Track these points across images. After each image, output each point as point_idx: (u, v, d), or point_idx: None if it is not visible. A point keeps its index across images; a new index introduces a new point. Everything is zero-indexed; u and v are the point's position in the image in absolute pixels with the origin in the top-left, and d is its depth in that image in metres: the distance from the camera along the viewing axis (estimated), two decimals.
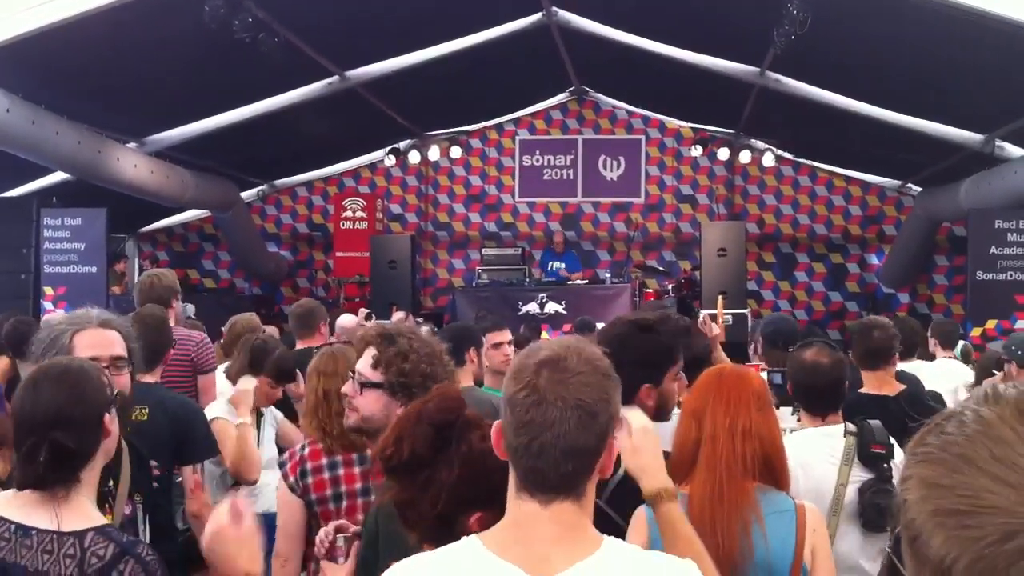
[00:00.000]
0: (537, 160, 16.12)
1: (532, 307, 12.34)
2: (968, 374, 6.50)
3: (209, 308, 11.84)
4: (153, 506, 3.08)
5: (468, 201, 16.33)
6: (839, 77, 10.48)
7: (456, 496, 1.98)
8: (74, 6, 7.93)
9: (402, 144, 15.44)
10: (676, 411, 3.00)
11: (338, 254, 15.84)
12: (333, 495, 3.05)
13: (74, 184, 11.14)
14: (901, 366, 5.04)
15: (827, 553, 2.69)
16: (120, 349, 3.02)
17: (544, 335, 10.42)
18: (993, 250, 10.34)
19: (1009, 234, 10.34)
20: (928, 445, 0.96)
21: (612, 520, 2.50)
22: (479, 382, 4.80)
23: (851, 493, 3.34)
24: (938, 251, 15.10)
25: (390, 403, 2.70)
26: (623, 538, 1.89)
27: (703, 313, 5.74)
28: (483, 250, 14.86)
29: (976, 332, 9.85)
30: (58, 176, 11.32)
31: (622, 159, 15.96)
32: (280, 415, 5.18)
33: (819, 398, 3.59)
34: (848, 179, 15.51)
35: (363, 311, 8.10)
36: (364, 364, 2.79)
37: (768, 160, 14.71)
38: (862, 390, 4.47)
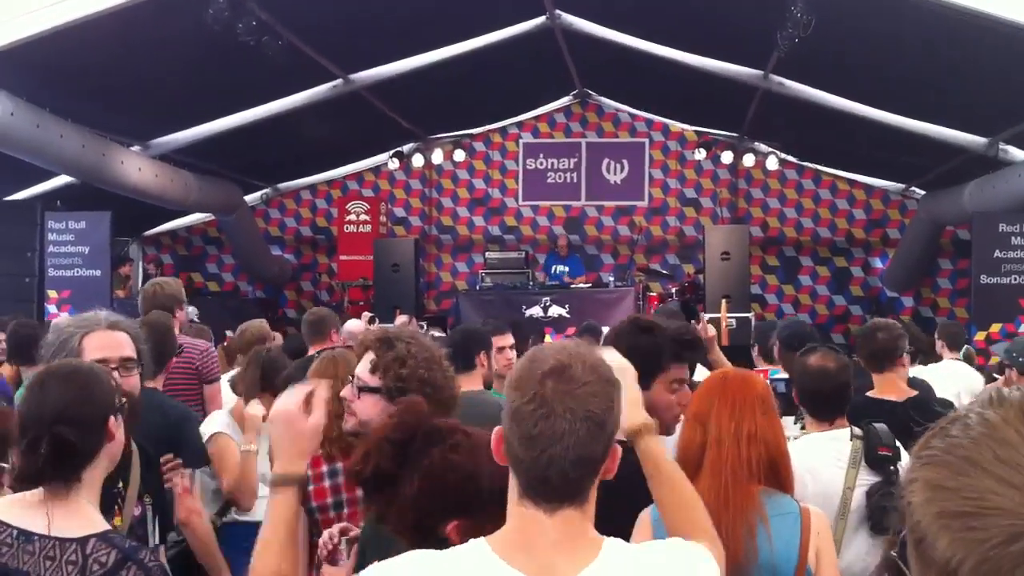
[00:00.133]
0: (541, 163, 16.12)
1: (536, 310, 12.34)
2: (973, 376, 6.49)
3: (213, 311, 11.87)
4: (162, 508, 3.08)
5: (472, 204, 16.33)
6: (843, 80, 10.47)
7: (420, 509, 1.96)
8: (77, 9, 7.94)
9: (406, 147, 15.45)
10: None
11: (342, 257, 15.84)
12: (334, 503, 3.05)
13: (78, 187, 11.16)
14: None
15: (831, 556, 2.69)
16: (129, 351, 3.02)
17: (548, 338, 10.42)
18: (997, 254, 10.34)
19: (1013, 238, 10.34)
20: (933, 448, 0.96)
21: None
22: (488, 385, 4.79)
23: (859, 497, 3.33)
24: (942, 255, 15.08)
25: (387, 408, 2.64)
26: (622, 502, 1.87)
27: (703, 316, 5.72)
28: (487, 254, 14.86)
29: (980, 336, 9.84)
30: (62, 179, 11.34)
31: (626, 162, 15.96)
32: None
33: (825, 403, 3.57)
34: (852, 182, 15.50)
35: (366, 315, 8.11)
36: (363, 368, 2.78)
37: (772, 163, 14.71)
38: (869, 393, 4.46)
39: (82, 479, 2.33)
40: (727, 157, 14.87)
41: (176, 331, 5.31)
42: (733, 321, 10.73)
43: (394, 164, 15.42)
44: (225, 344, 8.15)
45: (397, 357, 2.73)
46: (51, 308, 10.53)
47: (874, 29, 8.62)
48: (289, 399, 2.21)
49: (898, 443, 3.39)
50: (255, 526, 2.30)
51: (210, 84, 10.30)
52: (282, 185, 16.40)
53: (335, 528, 2.50)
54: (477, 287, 13.95)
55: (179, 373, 5.07)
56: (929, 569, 0.92)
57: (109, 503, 2.66)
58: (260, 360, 4.59)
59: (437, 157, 15.58)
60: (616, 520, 1.94)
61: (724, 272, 12.83)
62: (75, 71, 9.00)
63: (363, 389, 2.76)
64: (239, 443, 4.38)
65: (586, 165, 16.00)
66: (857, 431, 3.46)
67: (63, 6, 7.92)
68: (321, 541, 2.48)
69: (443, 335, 8.20)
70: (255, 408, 4.41)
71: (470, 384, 4.69)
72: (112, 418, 2.40)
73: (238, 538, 4.13)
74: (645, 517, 2.57)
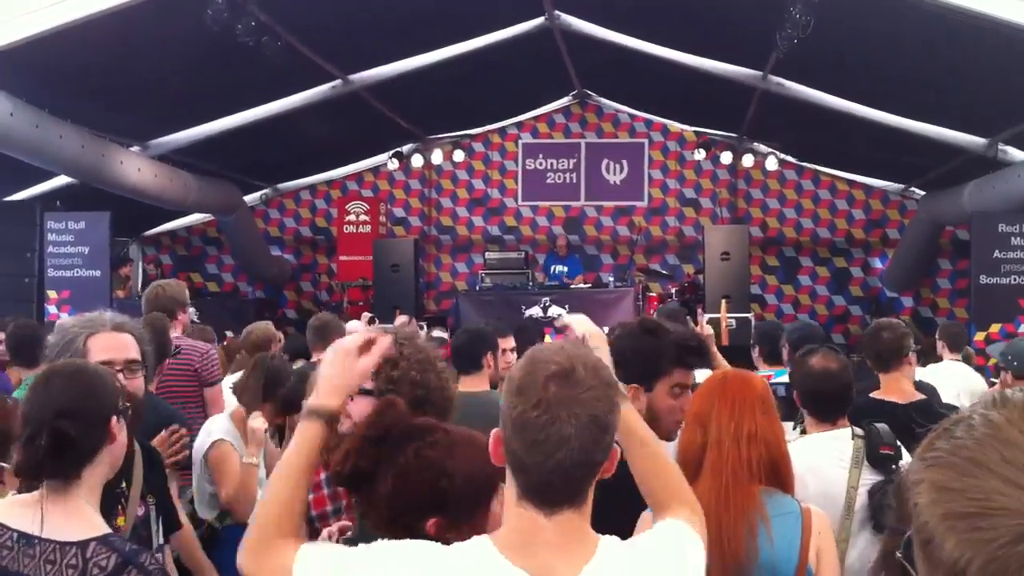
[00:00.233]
0: (540, 164, 16.13)
1: (535, 311, 12.33)
2: (973, 377, 6.49)
3: (212, 312, 11.86)
4: (166, 507, 3.08)
5: (471, 205, 16.34)
6: (842, 80, 10.48)
7: (394, 507, 1.96)
8: (77, 10, 7.94)
9: (405, 148, 15.46)
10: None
11: (341, 258, 15.84)
12: (333, 509, 3.04)
13: (78, 188, 11.16)
14: None
15: (832, 556, 2.69)
16: (134, 353, 3.02)
17: (547, 338, 10.41)
18: (996, 254, 10.34)
19: (1013, 238, 10.34)
20: (938, 449, 0.97)
21: None
22: (495, 385, 4.79)
23: (862, 496, 3.33)
24: (941, 255, 15.09)
25: None
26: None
27: (702, 316, 5.72)
28: (486, 254, 14.86)
29: (980, 336, 9.84)
30: (62, 180, 11.34)
31: (625, 163, 15.97)
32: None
33: (828, 404, 3.57)
34: (851, 183, 15.50)
35: (366, 315, 8.10)
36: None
37: (771, 164, 14.71)
38: (872, 394, 4.46)
39: (82, 477, 2.32)
40: (726, 157, 14.87)
41: (179, 333, 5.31)
42: (733, 321, 10.71)
43: (393, 164, 15.42)
44: (225, 344, 8.16)
45: (388, 359, 2.72)
46: (51, 308, 10.53)
47: (873, 29, 8.62)
48: (352, 338, 2.17)
49: (898, 442, 3.40)
50: None
51: (209, 84, 10.30)
52: (282, 185, 16.40)
53: (334, 527, 2.50)
54: (477, 287, 13.95)
55: (178, 375, 5.05)
56: (937, 570, 0.93)
57: (112, 503, 2.66)
58: (264, 369, 4.52)
59: (436, 157, 15.58)
60: (615, 519, 1.95)
61: (724, 272, 12.84)
62: (74, 71, 9.00)
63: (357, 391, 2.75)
64: (240, 451, 4.32)
65: (585, 165, 16.00)
66: (858, 431, 3.47)
67: (62, 7, 7.92)
68: (320, 539, 2.48)
69: (443, 334, 8.21)
70: (257, 421, 4.34)
71: (477, 384, 4.69)
72: (114, 419, 2.40)
73: (234, 541, 4.12)
74: (647, 516, 2.57)
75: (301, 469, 1.99)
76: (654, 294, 13.37)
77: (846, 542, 3.23)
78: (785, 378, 4.57)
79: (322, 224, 16.61)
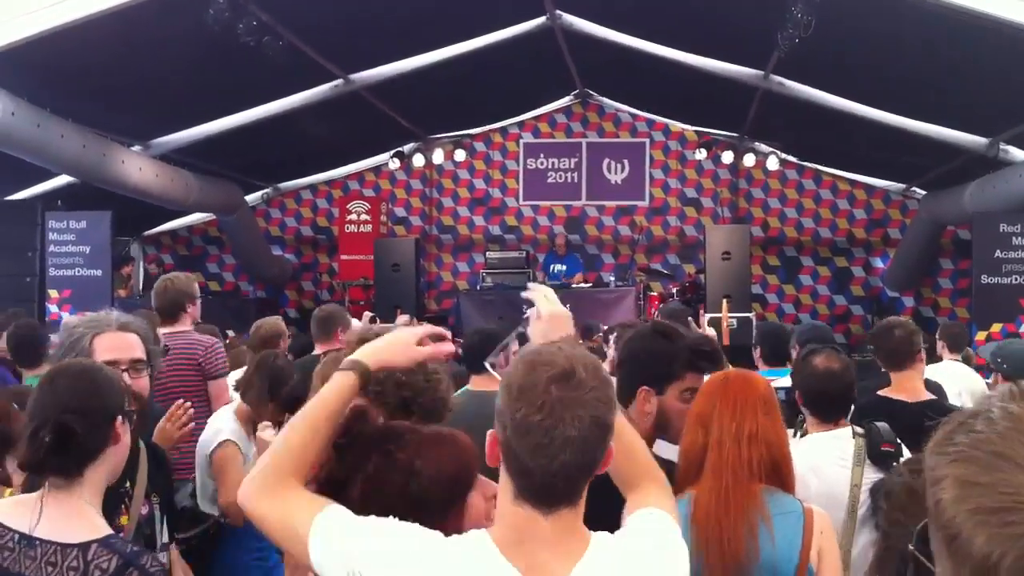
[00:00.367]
0: (541, 163, 16.12)
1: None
2: (974, 377, 6.47)
3: (214, 311, 11.82)
4: (171, 506, 3.08)
5: (472, 204, 16.33)
6: (843, 80, 10.47)
7: (369, 512, 1.97)
8: (78, 10, 7.94)
9: (406, 147, 15.45)
10: None
11: (342, 257, 15.85)
12: None
13: (79, 187, 11.16)
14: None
15: (834, 556, 2.69)
16: (139, 352, 3.02)
17: None
18: (998, 254, 10.33)
19: (1014, 238, 10.34)
20: (958, 444, 0.96)
21: None
22: None
23: (864, 494, 3.33)
24: (943, 255, 15.09)
25: (372, 410, 2.62)
26: None
27: (704, 316, 5.71)
28: (487, 253, 14.85)
29: (981, 335, 9.84)
30: (63, 179, 11.34)
31: (626, 162, 15.96)
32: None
33: (831, 404, 3.58)
34: (852, 182, 15.50)
35: (367, 314, 8.10)
36: (323, 377, 2.73)
37: (772, 163, 14.71)
38: (885, 392, 4.46)
39: (84, 475, 2.32)
40: (728, 157, 14.86)
41: (188, 326, 5.33)
42: (734, 321, 10.70)
43: (395, 164, 15.41)
44: (227, 343, 8.15)
45: None
46: (52, 308, 10.53)
47: (874, 29, 8.61)
48: (417, 329, 2.21)
49: (899, 440, 3.40)
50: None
51: (211, 84, 10.30)
52: (283, 185, 16.40)
53: None
54: (478, 287, 13.95)
55: (181, 367, 5.07)
56: (963, 566, 0.92)
57: (116, 502, 2.67)
58: (268, 369, 4.48)
59: (438, 157, 15.57)
60: (614, 518, 1.97)
61: (725, 272, 12.83)
62: (76, 71, 9.00)
63: None
64: (245, 452, 4.28)
65: (587, 165, 15.99)
66: (859, 429, 3.47)
67: (63, 6, 7.92)
68: None
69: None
70: (267, 433, 4.31)
71: (488, 384, 4.69)
72: (119, 419, 2.41)
73: (240, 538, 4.12)
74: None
75: (323, 416, 1.98)
76: (655, 294, 13.36)
77: (849, 540, 3.24)
78: (785, 380, 4.56)
79: (323, 223, 16.61)
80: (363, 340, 2.60)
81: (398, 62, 11.46)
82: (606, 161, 15.98)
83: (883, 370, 4.68)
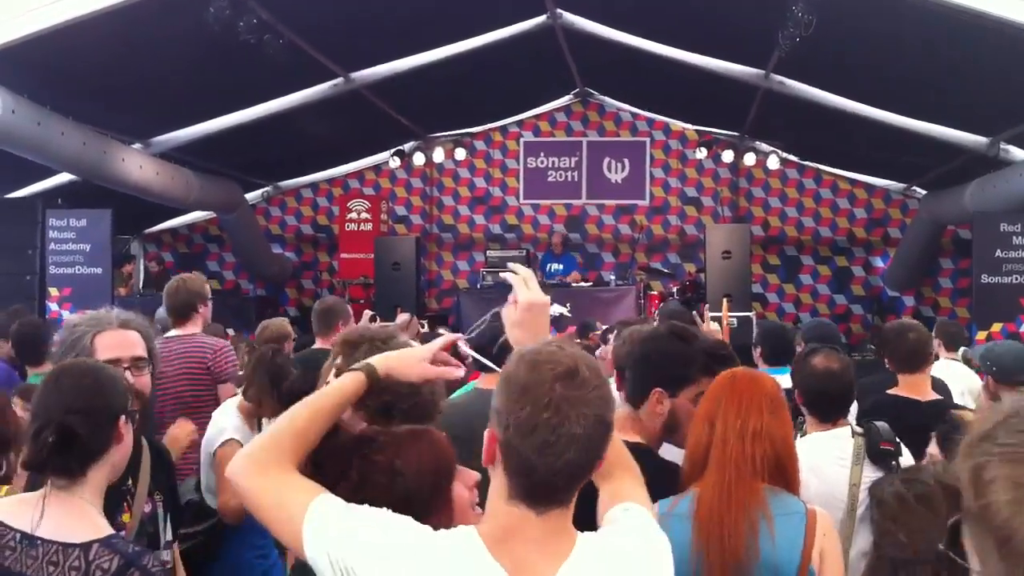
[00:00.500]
0: (541, 162, 16.12)
1: None
2: (972, 377, 6.46)
3: (214, 309, 11.77)
4: (174, 504, 3.08)
5: (472, 203, 16.33)
6: (844, 80, 10.46)
7: None
8: (78, 8, 7.94)
9: (407, 146, 15.46)
10: None
11: (343, 256, 15.86)
12: None
13: (79, 185, 11.16)
14: None
15: (836, 559, 2.68)
16: (141, 350, 3.02)
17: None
18: (998, 253, 10.34)
19: (1014, 237, 10.34)
20: (1007, 444, 0.93)
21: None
22: None
23: (863, 493, 3.34)
24: (943, 254, 15.08)
25: (354, 415, 2.48)
26: None
27: (707, 314, 5.69)
28: (487, 252, 14.85)
29: (981, 335, 9.84)
30: (63, 177, 11.33)
31: (627, 161, 15.96)
32: None
33: (831, 404, 3.58)
34: (853, 182, 15.50)
35: (368, 313, 8.09)
36: (329, 373, 2.72)
37: (773, 163, 14.71)
38: (895, 391, 4.46)
39: (87, 476, 2.33)
40: (728, 156, 14.87)
41: (199, 328, 5.33)
42: (734, 321, 10.69)
43: (395, 162, 15.42)
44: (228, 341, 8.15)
45: (356, 361, 2.63)
46: (52, 306, 10.54)
47: (875, 29, 8.61)
48: (431, 345, 2.21)
49: (898, 439, 3.41)
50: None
51: (211, 82, 10.30)
52: (283, 183, 16.40)
53: None
54: (478, 285, 13.94)
55: (190, 370, 5.09)
56: (1017, 567, 0.90)
57: (118, 500, 2.67)
58: (267, 365, 4.47)
59: (438, 155, 15.58)
60: (588, 508, 1.97)
61: (725, 271, 12.83)
62: (76, 69, 9.00)
63: None
64: None
65: (587, 164, 16.00)
66: (858, 428, 3.47)
67: (64, 4, 7.91)
68: None
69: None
70: None
71: (495, 383, 4.68)
72: (122, 419, 2.41)
73: (244, 535, 4.12)
74: (653, 512, 2.60)
75: (328, 406, 2.01)
76: (655, 293, 13.35)
77: (848, 540, 3.24)
78: (786, 379, 4.57)
79: (323, 222, 16.62)
80: (347, 341, 2.59)
81: (398, 61, 11.45)
82: (606, 160, 15.98)
83: (888, 369, 4.69)
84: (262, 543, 4.13)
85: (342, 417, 2.39)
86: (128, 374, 2.84)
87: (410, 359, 2.17)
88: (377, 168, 16.36)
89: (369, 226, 15.84)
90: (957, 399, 5.39)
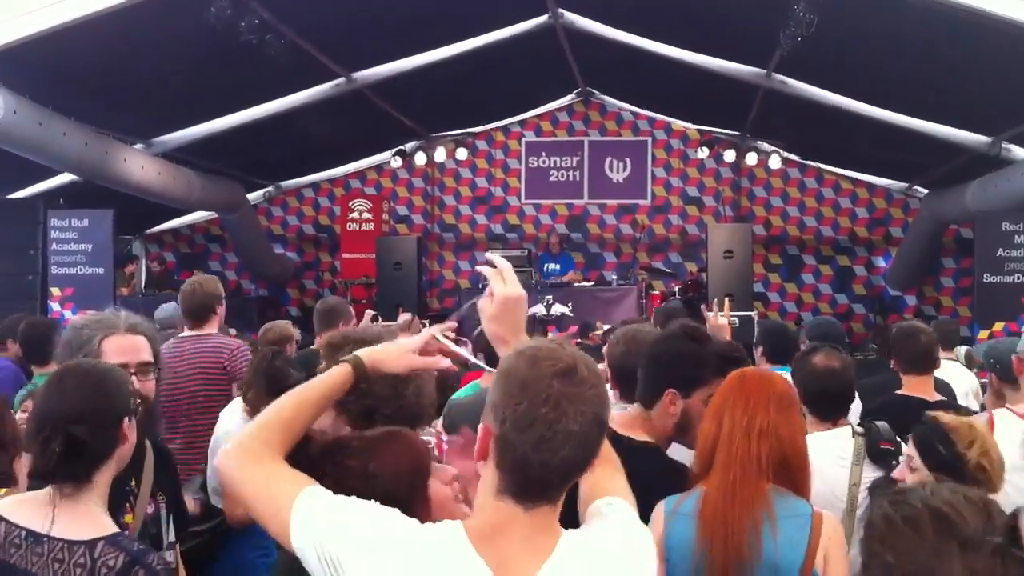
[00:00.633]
0: (543, 162, 16.13)
1: (538, 309, 12.31)
2: (969, 376, 6.45)
3: None
4: (177, 505, 3.08)
5: (474, 203, 16.34)
6: (845, 79, 10.46)
7: None
8: (80, 8, 7.94)
9: (408, 146, 15.46)
10: None
11: (344, 256, 15.86)
12: None
13: (81, 185, 11.17)
14: None
15: (841, 563, 2.67)
16: (147, 355, 3.02)
17: (549, 335, 10.38)
18: (1000, 252, 10.33)
19: (1016, 236, 10.34)
20: None
21: None
22: None
23: (863, 493, 3.34)
24: (945, 253, 15.08)
25: (337, 419, 2.48)
26: None
27: (710, 313, 5.67)
28: (488, 252, 14.82)
29: (983, 334, 9.83)
30: (65, 177, 11.34)
31: (628, 161, 15.96)
32: None
33: (831, 403, 3.58)
34: (855, 181, 15.49)
35: (369, 313, 8.09)
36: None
37: (774, 162, 14.70)
38: (903, 392, 4.46)
39: (93, 481, 2.35)
40: (730, 155, 14.87)
41: (214, 329, 5.37)
42: (736, 320, 10.69)
43: (397, 162, 15.42)
44: None
45: None
46: (54, 306, 10.54)
47: (876, 28, 8.60)
48: (417, 338, 2.22)
49: (898, 438, 3.40)
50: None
51: (212, 83, 10.30)
52: (285, 183, 16.41)
53: None
54: (480, 285, 13.92)
55: (207, 371, 5.13)
56: None
57: (121, 501, 2.67)
58: (266, 368, 4.47)
59: (440, 155, 15.57)
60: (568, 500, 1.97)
61: (727, 270, 12.83)
62: (78, 69, 9.01)
63: None
64: None
65: (589, 163, 16.00)
66: (858, 428, 3.47)
67: (65, 5, 7.91)
68: None
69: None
70: None
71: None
72: (126, 420, 2.42)
73: (249, 535, 4.12)
74: (659, 510, 2.67)
75: (314, 398, 2.03)
76: (657, 292, 13.36)
77: (849, 539, 3.24)
78: (786, 377, 4.58)
79: (325, 222, 16.62)
80: (330, 344, 2.59)
81: (400, 61, 11.45)
82: (608, 160, 15.98)
83: (890, 369, 4.69)
84: (265, 543, 4.13)
85: (327, 425, 2.40)
86: (135, 379, 2.84)
87: (397, 351, 2.18)
88: (379, 168, 16.36)
89: (371, 226, 15.84)
90: (961, 400, 5.40)
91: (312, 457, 2.00)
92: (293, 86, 11.27)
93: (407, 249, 13.99)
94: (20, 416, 3.94)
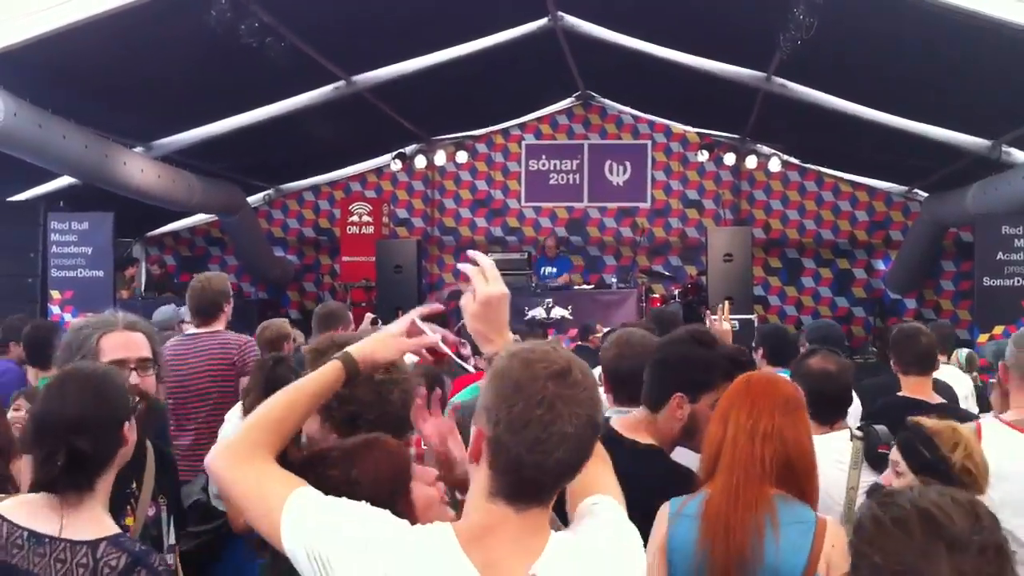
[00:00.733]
0: (543, 165, 16.13)
1: (538, 312, 12.31)
2: (965, 379, 6.44)
3: None
4: (178, 507, 3.08)
5: (474, 206, 16.34)
6: (845, 82, 10.46)
7: None
8: (80, 11, 7.95)
9: (408, 149, 15.47)
10: None
11: (344, 258, 15.84)
12: None
13: (81, 188, 11.17)
14: None
15: (844, 569, 2.67)
16: (146, 351, 3.02)
17: (549, 338, 10.38)
18: (1000, 256, 10.34)
19: (1016, 240, 10.35)
20: None
21: None
22: None
23: (861, 497, 3.33)
24: (945, 256, 15.08)
25: (323, 425, 2.46)
26: None
27: (713, 316, 5.67)
28: (489, 255, 14.78)
29: (983, 338, 9.83)
30: (65, 180, 11.35)
31: (628, 164, 15.96)
32: None
33: (828, 405, 3.57)
34: (855, 184, 15.49)
35: (369, 316, 8.09)
36: None
37: (774, 165, 14.71)
38: (904, 393, 4.46)
39: (95, 488, 2.36)
40: (730, 159, 14.88)
41: (222, 326, 5.41)
42: (736, 323, 10.69)
43: (397, 165, 15.43)
44: None
45: None
46: (54, 309, 10.54)
47: (876, 31, 8.61)
48: (399, 322, 2.21)
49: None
50: None
51: (212, 85, 10.31)
52: (285, 186, 16.41)
53: None
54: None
55: (216, 366, 5.16)
56: None
57: (122, 503, 2.68)
58: (265, 373, 4.46)
59: (440, 158, 15.59)
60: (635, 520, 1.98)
61: (726, 274, 12.81)
62: (78, 72, 9.01)
63: None
64: None
65: (588, 167, 16.00)
66: (857, 432, 3.47)
67: (65, 7, 7.92)
68: None
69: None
70: None
71: None
72: (127, 424, 2.42)
73: (248, 541, 4.12)
74: (664, 511, 2.67)
75: (305, 396, 2.02)
76: (657, 296, 13.35)
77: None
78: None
79: (325, 225, 16.62)
80: (316, 349, 2.57)
81: (400, 64, 11.46)
82: (608, 163, 15.98)
83: (890, 372, 4.69)
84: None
85: (313, 431, 2.40)
86: (134, 375, 2.86)
87: (385, 338, 2.17)
88: (379, 171, 16.37)
89: (371, 229, 15.82)
90: (963, 403, 5.41)
91: (293, 470, 1.99)
92: (293, 89, 11.27)
93: (407, 252, 13.97)
94: (13, 415, 3.94)
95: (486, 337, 2.11)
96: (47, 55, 8.33)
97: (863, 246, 15.59)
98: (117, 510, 2.56)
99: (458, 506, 2.15)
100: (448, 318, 6.07)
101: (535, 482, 1.70)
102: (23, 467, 3.12)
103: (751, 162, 14.86)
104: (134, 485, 2.79)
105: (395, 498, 1.94)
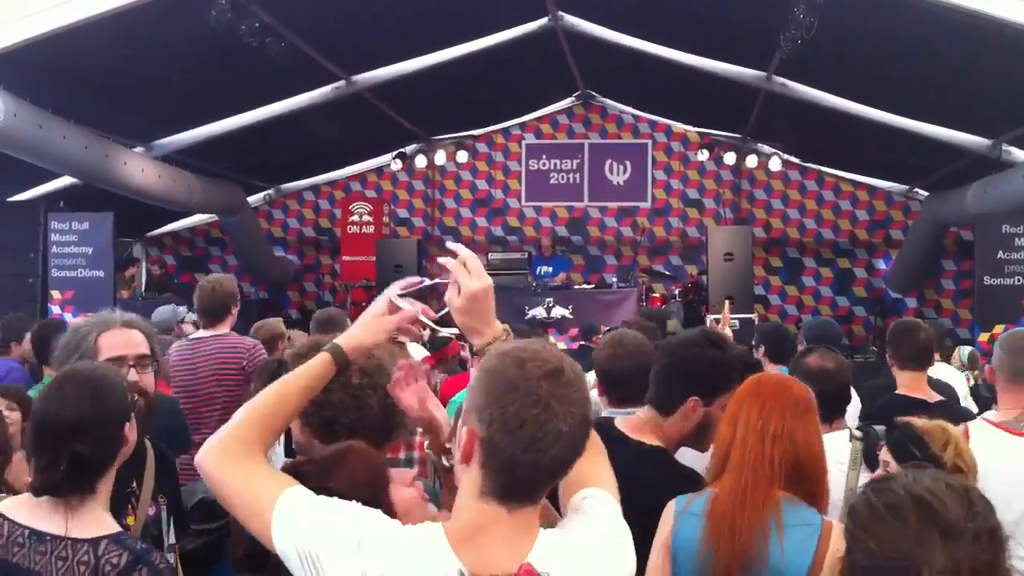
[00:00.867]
0: (544, 164, 16.13)
1: (539, 311, 12.31)
2: (959, 377, 6.43)
3: None
4: (178, 507, 3.08)
5: (475, 205, 16.34)
6: (845, 81, 10.46)
7: None
8: (80, 11, 7.95)
9: (409, 148, 15.47)
10: None
11: (345, 258, 15.84)
12: None
13: (81, 188, 11.18)
14: None
15: None
16: (144, 348, 3.03)
17: (550, 338, 10.40)
18: (1000, 255, 10.34)
19: (1016, 239, 10.35)
20: None
21: None
22: None
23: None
24: (945, 255, 15.08)
25: (303, 430, 2.45)
26: None
27: (710, 318, 5.69)
28: (489, 255, 14.79)
29: (984, 337, 9.83)
30: (65, 180, 11.35)
31: (628, 163, 15.96)
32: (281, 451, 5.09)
33: (827, 404, 3.56)
34: (855, 183, 15.49)
35: None
36: None
37: (775, 164, 14.71)
38: (901, 392, 4.46)
39: (97, 490, 2.36)
40: (730, 158, 14.88)
41: (229, 328, 5.43)
42: (736, 322, 10.70)
43: (397, 165, 15.44)
44: None
45: None
46: (54, 309, 10.54)
47: (877, 31, 8.61)
48: (378, 301, 2.19)
49: None
50: None
51: (213, 85, 10.31)
52: (285, 186, 16.41)
53: None
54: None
55: (224, 370, 5.18)
56: None
57: (122, 503, 2.68)
58: (265, 376, 4.47)
59: (440, 158, 15.59)
60: (636, 522, 1.98)
61: (727, 273, 12.82)
62: (78, 72, 9.01)
63: None
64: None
65: (589, 166, 16.00)
66: (856, 432, 3.46)
67: (66, 7, 7.92)
68: None
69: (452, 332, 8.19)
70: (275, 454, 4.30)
71: None
72: (127, 425, 2.42)
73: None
74: (670, 509, 2.68)
75: (295, 390, 2.02)
76: (657, 295, 13.35)
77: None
78: None
79: (325, 225, 16.62)
80: (298, 354, 2.56)
81: (400, 63, 11.46)
82: (608, 162, 15.99)
83: (892, 370, 4.69)
84: None
85: (297, 435, 2.39)
86: (132, 371, 2.86)
87: (368, 322, 2.16)
88: (379, 171, 16.37)
89: (371, 229, 15.82)
90: (963, 401, 5.41)
91: None
92: (293, 89, 11.27)
93: (407, 252, 13.98)
94: (6, 413, 3.93)
95: (475, 330, 2.08)
96: (47, 55, 8.33)
97: (864, 245, 15.59)
98: (118, 510, 2.57)
99: (450, 469, 2.15)
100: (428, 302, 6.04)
101: (529, 481, 1.70)
102: (16, 468, 3.13)
103: (751, 161, 14.87)
104: (134, 484, 2.80)
105: (375, 504, 1.94)
